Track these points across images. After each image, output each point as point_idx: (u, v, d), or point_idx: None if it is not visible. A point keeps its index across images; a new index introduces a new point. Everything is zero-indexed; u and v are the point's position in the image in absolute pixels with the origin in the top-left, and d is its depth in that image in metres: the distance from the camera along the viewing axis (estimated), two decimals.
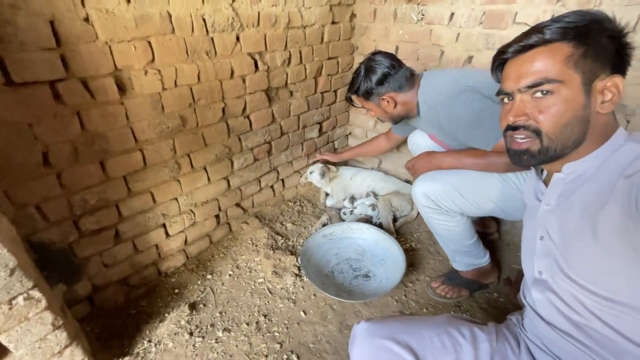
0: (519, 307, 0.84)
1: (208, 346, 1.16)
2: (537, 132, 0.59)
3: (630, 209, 0.50)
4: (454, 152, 1.18)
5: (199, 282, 1.43)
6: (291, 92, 1.68)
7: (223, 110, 1.39)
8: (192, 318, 1.26)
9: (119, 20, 0.99)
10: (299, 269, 1.47)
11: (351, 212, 1.84)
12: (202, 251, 1.59)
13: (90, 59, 0.97)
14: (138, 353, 1.14)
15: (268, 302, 1.34)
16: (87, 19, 0.94)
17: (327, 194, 2.00)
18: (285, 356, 1.14)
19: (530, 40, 0.58)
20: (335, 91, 1.95)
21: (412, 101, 1.23)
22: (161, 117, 1.19)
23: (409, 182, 1.97)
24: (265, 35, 1.41)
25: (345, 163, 2.13)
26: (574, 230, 0.60)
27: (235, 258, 1.56)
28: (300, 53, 1.61)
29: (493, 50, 1.41)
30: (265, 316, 1.28)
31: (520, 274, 0.83)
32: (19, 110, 0.89)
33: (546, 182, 0.69)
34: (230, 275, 1.47)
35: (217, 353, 1.14)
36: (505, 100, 0.65)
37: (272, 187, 1.85)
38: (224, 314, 1.29)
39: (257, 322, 1.25)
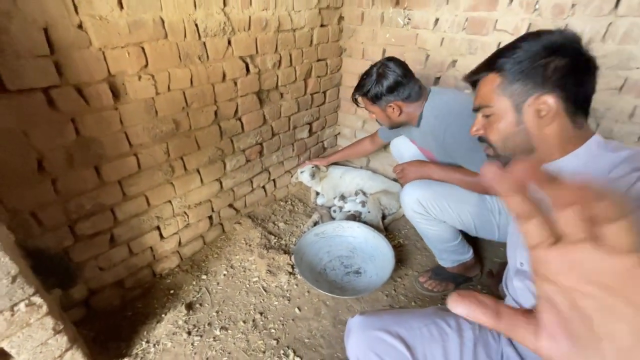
0: (500, 298, 0.92)
1: (206, 345, 1.20)
2: (489, 143, 0.75)
3: None
4: (445, 166, 1.26)
5: (194, 283, 1.46)
6: (282, 94, 1.71)
7: (215, 113, 1.41)
8: (189, 318, 1.29)
9: (113, 27, 0.99)
10: (292, 267, 1.51)
11: (341, 209, 1.89)
12: (195, 252, 1.61)
13: (84, 65, 0.98)
14: (137, 354, 1.16)
15: (263, 300, 1.38)
16: (80, 26, 0.94)
17: (317, 193, 2.05)
18: (282, 351, 1.18)
19: (480, 72, 0.73)
20: (324, 92, 1.99)
21: (415, 112, 1.28)
22: (155, 121, 1.20)
23: (396, 180, 2.04)
24: (256, 39, 1.44)
25: (334, 163, 2.18)
26: None
27: (229, 258, 1.59)
28: (290, 56, 1.64)
29: (475, 55, 1.49)
30: (261, 314, 1.32)
31: (501, 267, 0.91)
32: (13, 118, 0.89)
33: None
34: (225, 275, 1.50)
35: (216, 351, 1.18)
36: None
37: (263, 187, 1.88)
38: (220, 312, 1.32)
39: (253, 320, 1.29)
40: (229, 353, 1.18)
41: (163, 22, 1.11)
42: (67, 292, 1.17)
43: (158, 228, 1.39)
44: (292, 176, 2.02)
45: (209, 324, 1.27)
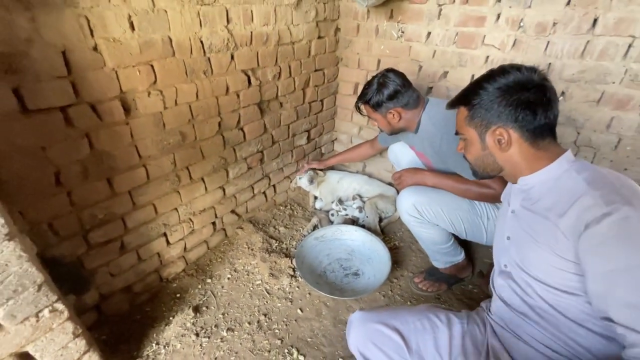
0: (490, 296, 1.00)
1: (214, 345, 1.26)
2: (468, 162, 0.90)
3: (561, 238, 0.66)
4: (439, 174, 1.35)
5: (200, 286, 1.52)
6: (281, 104, 1.78)
7: (219, 124, 1.47)
8: (196, 320, 1.35)
9: (125, 48, 1.06)
10: (294, 270, 1.58)
11: (339, 213, 1.97)
12: (200, 257, 1.67)
13: (98, 84, 1.03)
14: (148, 355, 1.22)
15: (267, 302, 1.45)
16: (95, 48, 1.00)
17: (315, 198, 2.12)
18: (286, 350, 1.25)
19: (454, 105, 0.86)
20: (322, 100, 2.06)
21: (413, 119, 1.36)
22: (163, 134, 1.27)
23: (391, 184, 2.12)
24: (257, 53, 1.50)
25: (332, 167, 2.25)
26: (524, 234, 0.77)
27: (233, 262, 1.65)
28: (289, 67, 1.71)
29: (465, 67, 1.58)
30: (265, 315, 1.39)
31: (490, 267, 1.00)
32: (33, 136, 0.95)
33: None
34: (229, 278, 1.56)
35: (224, 351, 1.25)
36: None
37: (264, 193, 1.95)
38: (226, 315, 1.39)
39: (258, 321, 1.36)
40: (236, 353, 1.24)
41: (171, 41, 1.17)
42: (80, 297, 1.23)
43: (165, 235, 1.45)
44: (291, 181, 2.09)
45: (216, 326, 1.34)
